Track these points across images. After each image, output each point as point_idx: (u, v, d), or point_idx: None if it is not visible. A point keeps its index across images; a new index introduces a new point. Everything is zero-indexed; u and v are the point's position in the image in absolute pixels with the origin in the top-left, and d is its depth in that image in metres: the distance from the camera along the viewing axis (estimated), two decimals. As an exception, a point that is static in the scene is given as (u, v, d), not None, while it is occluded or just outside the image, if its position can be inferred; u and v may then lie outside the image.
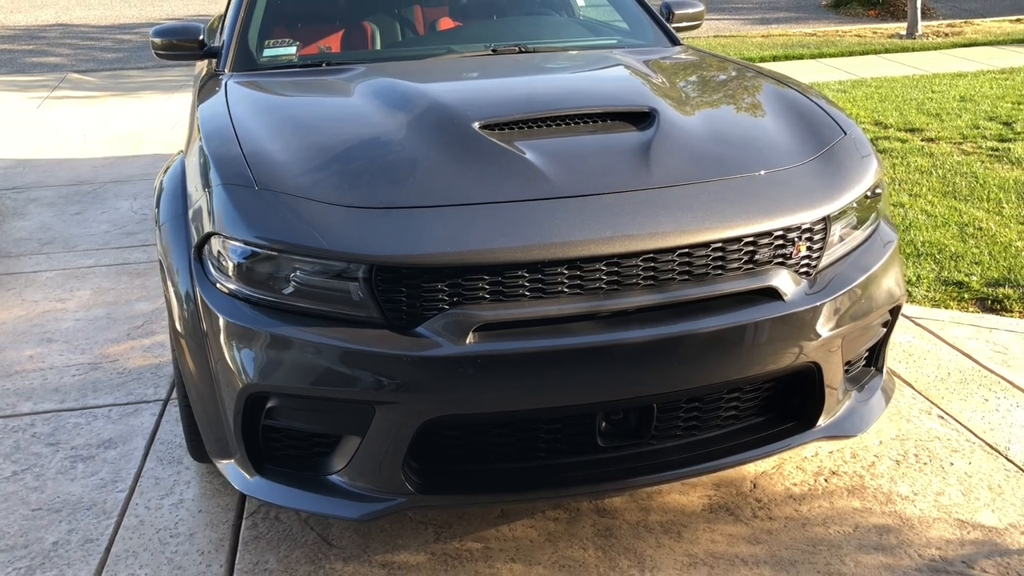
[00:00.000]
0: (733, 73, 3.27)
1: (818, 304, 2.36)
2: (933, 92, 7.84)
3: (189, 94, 9.17)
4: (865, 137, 2.78)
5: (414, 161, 2.45)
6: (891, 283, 2.61)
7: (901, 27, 11.60)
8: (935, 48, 10.32)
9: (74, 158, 7.05)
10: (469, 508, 2.65)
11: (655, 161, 2.44)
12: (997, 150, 6.04)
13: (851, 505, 2.67)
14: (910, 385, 3.29)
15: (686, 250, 2.26)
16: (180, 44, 3.53)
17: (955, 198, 5.16)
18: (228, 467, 2.45)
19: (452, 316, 2.17)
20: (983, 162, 5.79)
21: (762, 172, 2.47)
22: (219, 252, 2.34)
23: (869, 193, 2.60)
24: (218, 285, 2.35)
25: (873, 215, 2.66)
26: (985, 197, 5.14)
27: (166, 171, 2.89)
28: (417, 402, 2.19)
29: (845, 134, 2.72)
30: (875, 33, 11.50)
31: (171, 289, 2.52)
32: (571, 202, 2.28)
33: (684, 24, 3.97)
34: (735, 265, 2.32)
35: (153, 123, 8.10)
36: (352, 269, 2.20)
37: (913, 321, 3.77)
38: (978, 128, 6.59)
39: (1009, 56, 9.59)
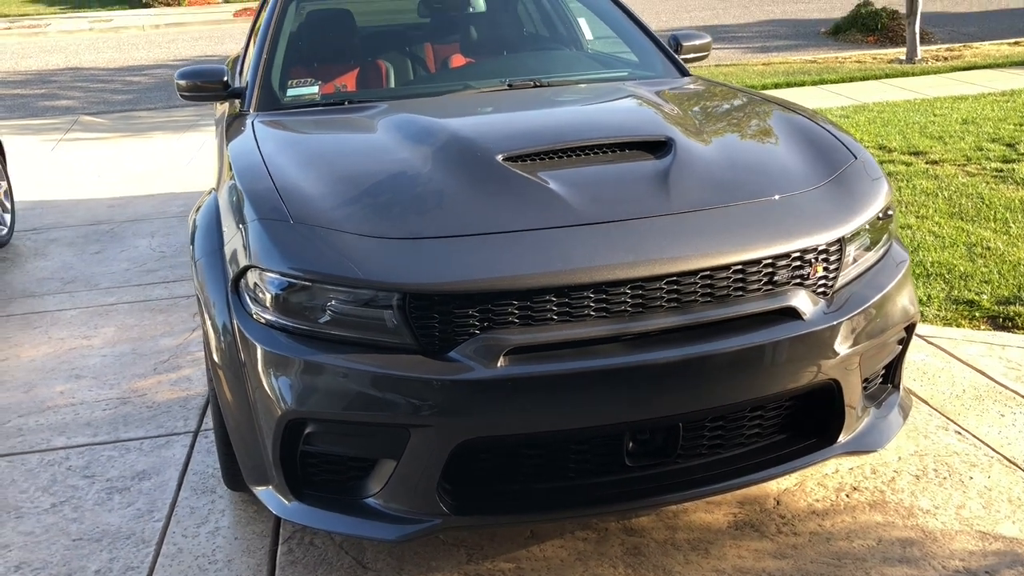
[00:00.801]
0: (743, 101, 3.37)
1: (836, 322, 2.44)
2: (935, 115, 7.95)
3: (198, 134, 9.35)
4: (874, 161, 2.87)
5: (441, 193, 2.54)
6: (905, 301, 2.68)
7: (900, 52, 11.75)
8: (935, 72, 10.45)
9: (90, 198, 7.18)
10: (501, 528, 2.71)
11: (674, 187, 2.53)
12: (1002, 171, 6.13)
13: (873, 519, 2.72)
14: (926, 402, 3.35)
15: (708, 272, 2.34)
16: (204, 86, 3.64)
17: (962, 219, 5.24)
18: (265, 493, 2.51)
19: (483, 341, 2.25)
20: (988, 183, 5.87)
21: (778, 196, 2.56)
22: (256, 284, 2.43)
23: (881, 215, 2.68)
24: (255, 316, 2.43)
25: (885, 236, 2.74)
26: (992, 217, 5.22)
27: (198, 209, 2.99)
28: (451, 425, 2.26)
29: (855, 158, 2.81)
30: (875, 59, 11.66)
31: (208, 322, 2.60)
32: (596, 228, 2.37)
33: (692, 55, 4.07)
34: (755, 286, 2.39)
35: (165, 162, 8.24)
36: (386, 297, 2.28)
37: (926, 340, 3.84)
38: (982, 150, 6.69)
39: (1009, 78, 9.72)
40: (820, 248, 2.47)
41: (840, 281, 2.54)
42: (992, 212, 5.30)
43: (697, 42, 4.08)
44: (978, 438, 3.10)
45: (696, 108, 3.25)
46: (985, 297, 4.19)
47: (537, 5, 4.65)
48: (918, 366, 3.63)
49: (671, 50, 3.98)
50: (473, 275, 2.25)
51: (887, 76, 10.40)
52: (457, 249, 2.31)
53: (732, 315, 2.36)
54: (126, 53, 15.88)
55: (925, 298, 4.24)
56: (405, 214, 2.46)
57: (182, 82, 3.67)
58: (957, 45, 12.37)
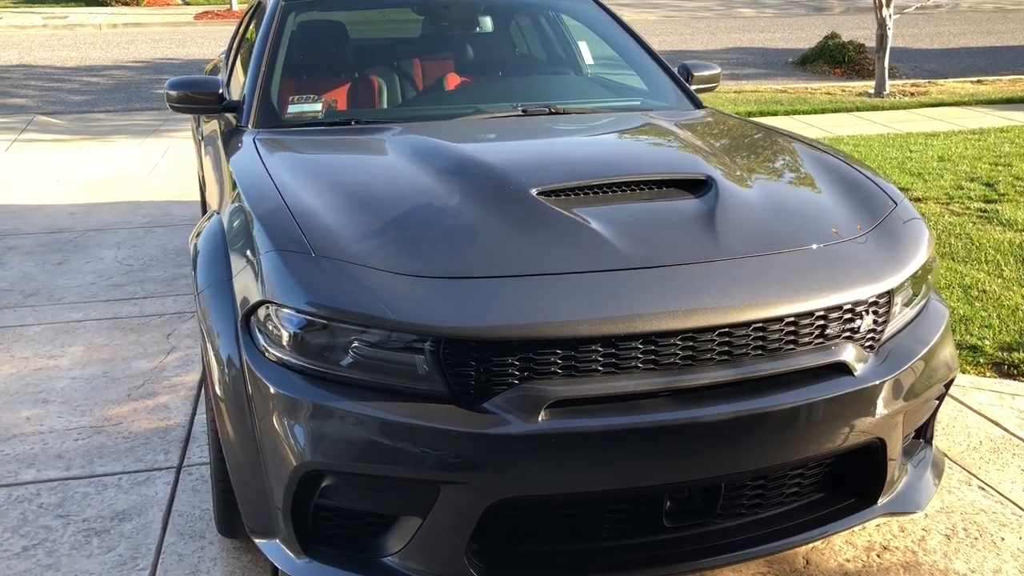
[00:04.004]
0: (772, 139, 3.26)
1: (886, 379, 2.32)
2: (911, 152, 7.99)
3: (161, 139, 9.01)
4: (912, 206, 2.78)
5: (473, 228, 2.37)
6: (947, 355, 2.59)
7: (868, 86, 11.87)
8: (904, 107, 10.56)
9: (49, 204, 6.84)
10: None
11: (721, 231, 2.39)
12: (985, 211, 6.14)
13: (907, 582, 2.61)
14: (945, 454, 3.26)
15: (760, 324, 2.21)
16: (197, 97, 3.43)
17: (953, 259, 5.21)
18: (271, 546, 2.31)
19: (523, 392, 2.08)
20: (974, 223, 5.87)
21: (826, 244, 2.43)
22: (270, 321, 2.23)
23: (926, 263, 2.58)
24: (268, 355, 2.23)
25: (925, 287, 2.64)
26: (983, 259, 5.20)
27: (199, 234, 2.77)
28: (486, 482, 2.09)
29: (896, 204, 2.71)
30: (844, 91, 11.76)
31: (212, 355, 2.39)
32: (643, 273, 2.22)
33: (700, 87, 3.97)
34: (807, 340, 2.27)
35: (128, 169, 7.91)
36: (419, 341, 2.10)
37: (934, 386, 3.75)
38: (962, 188, 6.71)
39: (977, 117, 9.84)
40: (871, 300, 2.36)
41: (887, 334, 2.43)
42: (982, 254, 5.29)
43: (707, 73, 3.98)
44: (1003, 495, 3.01)
45: (726, 145, 3.13)
46: (988, 343, 4.14)
47: (539, 28, 4.51)
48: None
49: (683, 80, 3.87)
50: (515, 320, 2.08)
51: (858, 109, 10.47)
52: (497, 291, 2.14)
53: (784, 370, 2.23)
54: (83, 52, 15.40)
55: (927, 341, 4.17)
56: (436, 250, 2.28)
57: (173, 92, 3.45)
58: (922, 81, 12.54)
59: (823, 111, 10.34)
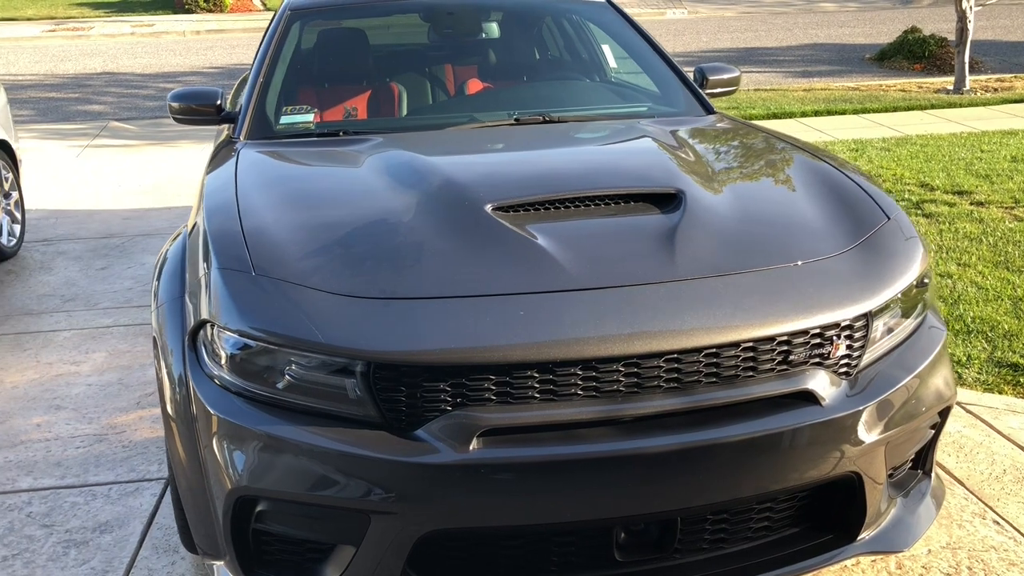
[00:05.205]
0: (768, 148, 3.08)
1: (859, 408, 2.16)
2: (982, 151, 7.58)
3: (226, 144, 9.21)
4: (909, 221, 2.58)
5: (419, 246, 2.29)
6: (940, 382, 2.39)
7: (948, 81, 11.34)
8: (984, 104, 10.04)
9: (106, 209, 7.04)
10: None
11: (680, 249, 2.26)
12: (1052, 217, 5.77)
13: (896, 625, 2.43)
14: (961, 483, 3.04)
15: (714, 350, 2.07)
16: (197, 109, 3.45)
17: (1008, 269, 4.90)
18: (219, 570, 2.28)
19: (455, 419, 2.00)
20: (1037, 230, 5.52)
21: (798, 263, 2.28)
22: (213, 340, 2.20)
23: (916, 283, 2.39)
24: (210, 375, 2.20)
25: (920, 306, 2.45)
26: (1040, 269, 4.87)
27: (173, 240, 2.77)
28: (415, 513, 2.01)
29: (888, 219, 2.52)
30: (920, 87, 11.25)
31: (164, 370, 2.38)
32: (586, 295, 2.10)
33: (718, 90, 3.80)
34: (767, 366, 2.12)
35: (186, 173, 8.09)
36: (349, 365, 2.03)
37: (964, 408, 3.52)
38: (1031, 192, 6.32)
39: (1062, 113, 9.29)
40: (844, 324, 2.19)
41: (865, 360, 2.25)
42: (1041, 263, 4.95)
43: (724, 76, 3.80)
44: (1018, 530, 2.78)
45: (715, 154, 2.98)
46: (1031, 361, 3.86)
47: (560, 30, 4.40)
48: (954, 438, 3.31)
49: (696, 84, 3.71)
50: (444, 344, 1.99)
51: (932, 107, 10.01)
52: (428, 313, 2.06)
53: (740, 399, 2.08)
54: (162, 59, 15.88)
55: (964, 358, 3.92)
56: (377, 270, 2.21)
57: (175, 104, 3.48)
58: (1008, 75, 11.92)
59: (895, 109, 9.91)
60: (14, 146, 6.25)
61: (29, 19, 21.43)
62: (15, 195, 6.13)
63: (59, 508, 3.06)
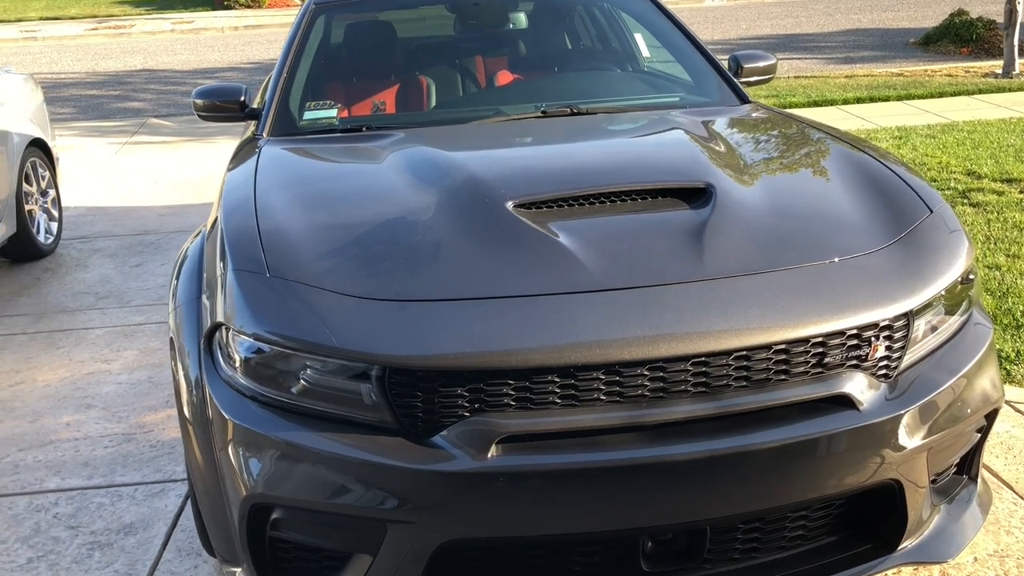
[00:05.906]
0: (804, 138, 2.96)
1: (899, 413, 2.05)
2: (1033, 138, 7.32)
3: (261, 140, 9.23)
4: (953, 214, 2.46)
5: (438, 246, 2.22)
6: (986, 384, 2.27)
7: (996, 65, 11.00)
8: (1034, 88, 9.73)
9: (143, 206, 7.07)
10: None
11: (709, 246, 2.16)
12: (1106, 206, 5.54)
13: (940, 638, 2.31)
14: (1010, 487, 2.91)
15: (744, 353, 1.97)
16: (221, 105, 3.42)
17: (1058, 261, 4.71)
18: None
19: (472, 425, 1.93)
20: (1090, 219, 5.30)
21: (834, 260, 2.17)
22: (228, 343, 2.15)
23: (961, 280, 2.27)
24: (226, 379, 2.15)
25: (965, 303, 2.33)
26: (1093, 260, 4.67)
27: (195, 238, 2.73)
28: (432, 522, 1.94)
29: (931, 212, 2.40)
30: (967, 72, 10.94)
31: (180, 372, 2.34)
32: (609, 296, 2.02)
33: (754, 79, 3.67)
34: (801, 369, 2.02)
35: (222, 169, 8.10)
36: (364, 369, 1.97)
37: (1012, 406, 3.37)
38: (1084, 180, 6.08)
39: (1117, 97, 8.97)
40: (882, 324, 2.08)
41: (906, 361, 2.14)
42: (1094, 254, 4.75)
43: (760, 64, 3.68)
44: (1071, 537, 2.65)
45: (748, 145, 2.87)
46: (1083, 357, 3.69)
47: (591, 19, 4.30)
48: (1002, 439, 3.17)
49: (731, 73, 3.60)
50: (461, 348, 1.92)
51: (980, 92, 9.71)
52: (446, 316, 1.99)
53: (772, 403, 1.98)
54: (201, 55, 16.00)
55: (1013, 354, 3.76)
56: (394, 271, 2.14)
57: (199, 101, 3.45)
58: (1060, 59, 11.53)
59: (940, 95, 9.64)
60: (51, 144, 6.29)
61: (72, 18, 21.73)
62: (52, 193, 6.18)
63: (85, 509, 3.04)
